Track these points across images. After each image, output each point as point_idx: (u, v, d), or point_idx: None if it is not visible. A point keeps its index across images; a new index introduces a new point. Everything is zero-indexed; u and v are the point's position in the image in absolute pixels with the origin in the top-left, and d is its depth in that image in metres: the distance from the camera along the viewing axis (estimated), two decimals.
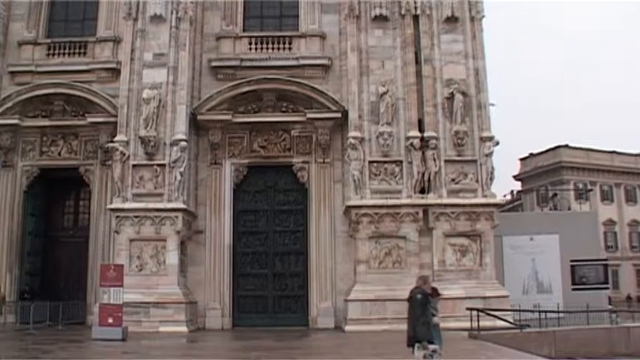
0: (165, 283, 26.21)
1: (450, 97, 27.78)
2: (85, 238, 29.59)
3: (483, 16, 28.97)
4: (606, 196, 79.80)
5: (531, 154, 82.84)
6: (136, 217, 26.83)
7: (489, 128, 27.81)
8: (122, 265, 24.02)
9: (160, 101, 27.76)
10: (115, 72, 29.71)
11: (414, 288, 14.30)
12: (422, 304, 13.74)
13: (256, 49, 30.17)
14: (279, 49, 30.14)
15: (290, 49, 30.18)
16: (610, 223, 77.73)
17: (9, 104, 29.75)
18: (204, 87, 29.59)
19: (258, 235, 29.45)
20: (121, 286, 22.41)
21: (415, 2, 28.71)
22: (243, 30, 30.77)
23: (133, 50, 28.64)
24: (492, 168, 27.47)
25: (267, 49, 30.12)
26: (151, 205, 26.91)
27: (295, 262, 29.16)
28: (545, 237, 30.51)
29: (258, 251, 29.30)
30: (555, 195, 64.59)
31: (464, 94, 27.81)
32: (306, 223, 29.02)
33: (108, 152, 28.40)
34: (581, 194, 72.78)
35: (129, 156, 27.54)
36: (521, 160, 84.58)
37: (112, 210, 27.21)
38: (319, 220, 28.62)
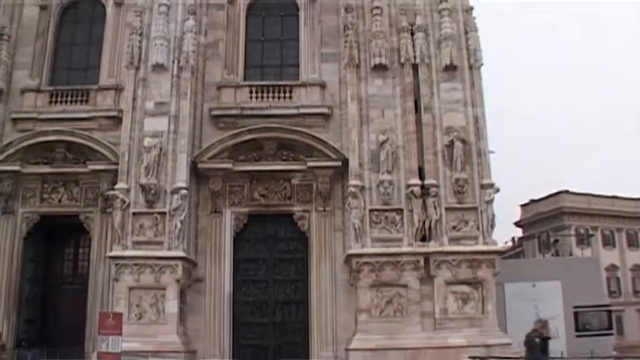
0: (164, 332, 25.91)
1: (450, 145, 27.84)
2: (84, 286, 29.31)
3: (482, 64, 29.23)
4: (608, 241, 79.62)
5: (532, 201, 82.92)
6: (136, 265, 26.66)
7: (489, 175, 27.82)
8: (121, 314, 23.73)
9: (161, 149, 27.84)
10: (117, 120, 29.81)
11: (531, 332, 14.19)
12: (542, 349, 13.69)
13: (257, 98, 30.36)
14: (279, 97, 30.33)
15: (290, 97, 30.38)
16: (612, 268, 77.38)
17: (11, 151, 29.83)
18: (205, 135, 29.69)
19: (259, 284, 29.20)
20: (120, 334, 22.06)
21: (414, 51, 28.93)
22: (244, 79, 31.00)
23: (134, 99, 28.85)
24: (493, 215, 27.39)
25: (268, 98, 30.32)
26: (150, 253, 26.76)
27: (296, 311, 28.87)
28: (548, 283, 30.32)
29: (258, 300, 29.01)
30: (557, 241, 64.52)
31: (464, 141, 27.89)
32: (307, 272, 28.81)
33: (108, 200, 28.31)
34: (583, 240, 72.69)
35: (129, 204, 27.47)
36: (522, 206, 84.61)
37: (112, 258, 27.03)
38: (320, 269, 28.41)
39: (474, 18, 29.89)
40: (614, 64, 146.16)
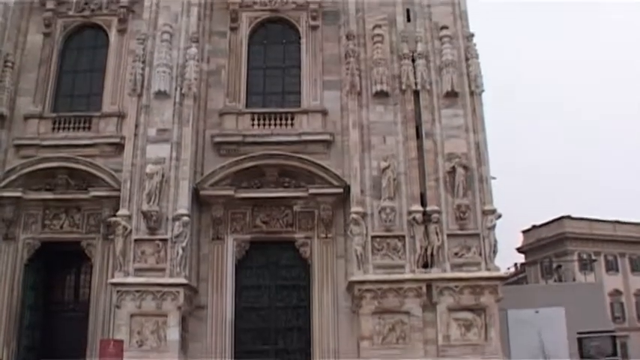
0: None
1: (452, 171, 27.85)
2: (85, 313, 29.16)
3: (483, 91, 29.35)
4: (611, 267, 79.27)
5: (534, 226, 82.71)
6: (137, 291, 26.62)
7: (491, 201, 27.79)
8: (122, 341, 23.77)
9: (163, 176, 27.92)
10: (119, 147, 29.95)
11: None
12: None
13: (259, 125, 30.52)
14: (281, 125, 30.47)
15: (292, 125, 30.51)
16: (616, 293, 76.95)
17: (13, 177, 29.94)
18: (207, 162, 29.76)
19: (261, 311, 29.08)
20: None
21: (415, 78, 29.07)
22: (246, 106, 31.16)
23: (137, 126, 29.04)
24: (495, 241, 27.34)
25: (270, 125, 30.48)
26: (152, 280, 26.71)
27: (298, 338, 28.71)
28: (551, 309, 30.20)
29: (260, 327, 28.87)
30: (559, 267, 64.26)
31: (465, 167, 27.90)
32: (309, 299, 28.70)
33: (110, 226, 28.30)
34: (586, 265, 72.37)
35: (131, 230, 27.51)
36: (524, 232, 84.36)
37: (113, 284, 27.00)
38: (322, 296, 28.31)
39: (475, 45, 30.06)
40: (616, 81, 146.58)
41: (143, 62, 29.86)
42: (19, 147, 31.08)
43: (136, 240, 27.46)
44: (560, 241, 77.01)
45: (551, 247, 77.88)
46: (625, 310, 77.93)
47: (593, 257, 74.84)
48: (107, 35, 33.10)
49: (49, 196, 30.10)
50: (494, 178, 28.82)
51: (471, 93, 29.25)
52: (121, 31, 32.76)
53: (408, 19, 30.63)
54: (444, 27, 30.09)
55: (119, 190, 28.52)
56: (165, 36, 30.07)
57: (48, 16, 33.25)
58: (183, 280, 26.71)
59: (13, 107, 31.68)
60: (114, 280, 27.06)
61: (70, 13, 33.56)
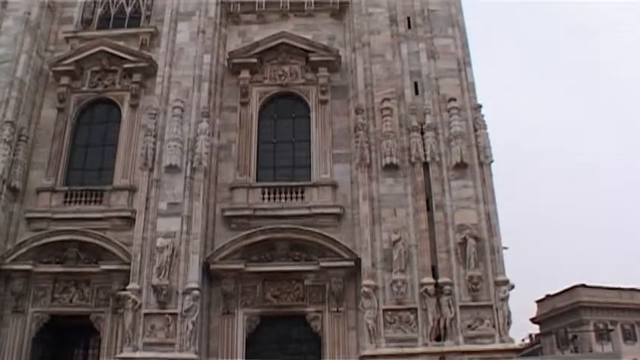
0: None
1: (463, 243, 27.67)
2: None
3: (492, 161, 29.45)
4: (629, 336, 77.58)
5: (548, 296, 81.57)
6: None
7: (504, 272, 27.50)
8: None
9: (173, 250, 27.97)
10: (130, 220, 30.12)
11: None
12: None
13: (269, 198, 30.62)
14: (291, 198, 30.56)
15: (302, 198, 30.59)
16: None
17: (23, 250, 30.07)
18: (218, 236, 29.80)
19: None
20: None
21: (425, 150, 29.26)
22: (257, 180, 31.37)
23: (147, 199, 29.26)
24: (509, 312, 26.94)
25: (280, 198, 30.58)
26: (162, 355, 26.43)
27: None
28: None
29: None
30: (575, 337, 63.18)
31: (476, 238, 27.73)
32: None
33: (120, 300, 28.17)
34: (603, 335, 71.02)
35: (140, 304, 27.39)
36: (538, 302, 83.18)
37: (122, 359, 26.63)
38: None
39: (483, 116, 30.35)
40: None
41: (154, 137, 30.34)
42: (30, 220, 31.31)
43: (145, 314, 27.29)
44: (575, 310, 75.77)
45: (567, 316, 76.58)
46: None
47: (610, 327, 73.44)
48: (120, 110, 33.77)
49: (59, 269, 30.12)
50: (505, 248, 28.61)
51: (480, 164, 29.32)
52: (134, 106, 33.42)
53: (416, 92, 31.07)
54: (452, 99, 30.47)
55: (129, 263, 28.53)
56: (177, 111, 30.67)
57: (62, 92, 34.03)
58: (193, 356, 26.43)
59: (25, 180, 32.07)
60: (123, 355, 26.76)
61: (84, 88, 34.39)
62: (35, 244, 30.17)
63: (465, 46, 32.29)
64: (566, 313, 76.87)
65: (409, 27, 32.80)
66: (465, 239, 27.72)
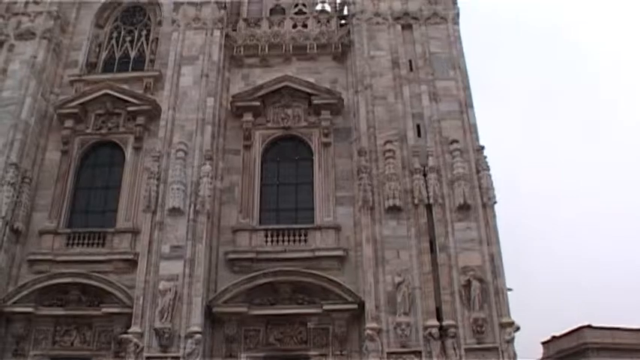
0: None
1: (467, 285, 27.53)
2: None
3: (495, 202, 29.43)
4: None
5: (554, 337, 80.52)
6: None
7: (508, 314, 27.28)
8: None
9: (176, 293, 27.83)
10: (133, 263, 29.99)
11: None
12: None
13: (272, 241, 30.58)
14: (294, 241, 30.52)
15: (306, 241, 30.54)
16: None
17: (25, 292, 29.91)
18: (220, 279, 29.71)
19: None
20: None
21: (428, 192, 29.30)
22: (260, 223, 31.36)
23: (150, 242, 29.22)
24: (515, 354, 26.64)
25: (283, 241, 30.53)
26: None
27: None
28: None
29: None
30: None
31: (481, 280, 27.59)
32: None
33: (122, 344, 27.94)
34: None
35: (143, 348, 27.10)
36: (544, 343, 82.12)
37: None
38: None
39: (485, 157, 30.46)
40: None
41: (158, 179, 30.45)
42: (32, 262, 31.23)
43: (147, 358, 27.02)
44: (581, 352, 74.64)
45: (573, 358, 75.54)
46: None
47: None
48: (123, 153, 33.94)
49: (61, 312, 29.92)
50: (510, 289, 28.45)
51: (484, 205, 29.32)
52: (137, 149, 33.59)
53: (419, 134, 31.30)
54: (455, 141, 30.64)
55: (132, 306, 28.34)
56: (180, 154, 30.84)
57: (66, 134, 34.25)
58: None
59: (28, 222, 32.06)
60: None
61: (88, 131, 34.62)
62: (37, 286, 30.02)
63: (466, 88, 32.63)
64: (572, 355, 75.88)
65: (411, 69, 33.26)
66: (469, 281, 27.57)
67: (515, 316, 27.32)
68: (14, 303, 29.72)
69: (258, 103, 33.64)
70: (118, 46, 38.11)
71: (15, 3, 37.81)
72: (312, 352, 28.59)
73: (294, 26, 36.91)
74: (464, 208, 29.06)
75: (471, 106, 32.05)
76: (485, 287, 27.60)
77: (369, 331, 26.75)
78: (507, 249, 29.06)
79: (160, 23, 38.32)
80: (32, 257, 31.30)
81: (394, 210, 29.09)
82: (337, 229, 30.71)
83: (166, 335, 27.06)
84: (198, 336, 26.90)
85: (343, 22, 37.20)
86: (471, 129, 31.29)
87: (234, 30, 36.72)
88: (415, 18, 34.86)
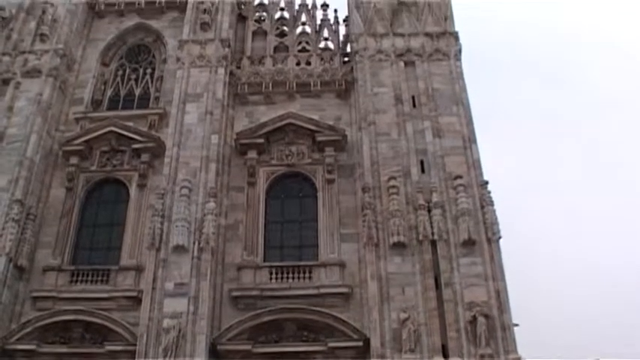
0: None
1: (473, 321, 27.33)
2: None
3: (500, 237, 29.34)
4: None
5: None
6: None
7: (515, 349, 27.06)
8: None
9: (180, 331, 27.63)
10: (136, 300, 29.85)
11: None
12: None
13: (277, 279, 30.46)
14: (299, 278, 30.40)
15: (310, 278, 30.42)
16: None
17: (28, 329, 29.75)
18: (225, 316, 29.55)
19: None
20: None
21: (432, 228, 29.25)
22: (264, 260, 31.28)
23: (154, 279, 29.15)
24: None
25: (288, 278, 30.40)
26: None
27: None
28: None
29: None
30: None
31: (486, 316, 27.39)
32: None
33: None
34: None
35: None
36: None
37: None
38: None
39: (489, 192, 30.41)
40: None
41: (162, 217, 30.48)
42: (36, 299, 31.11)
43: None
44: None
45: None
46: None
47: None
48: (128, 190, 34.02)
49: (64, 349, 29.69)
50: (516, 325, 28.30)
51: (488, 240, 29.24)
52: (141, 186, 33.68)
53: (422, 170, 31.37)
54: (458, 176, 30.69)
55: (135, 344, 28.14)
56: (184, 191, 30.90)
57: (71, 171, 34.36)
58: None
59: (32, 259, 32.00)
60: None
61: (93, 168, 34.75)
62: (40, 323, 29.88)
63: (469, 123, 32.79)
64: None
65: (414, 106, 33.46)
66: (474, 317, 27.38)
67: (522, 352, 27.22)
68: (17, 340, 29.55)
69: (262, 141, 33.81)
70: (123, 83, 38.52)
71: (22, 41, 38.30)
72: None
73: (298, 64, 37.39)
74: (469, 243, 29.00)
75: (475, 141, 32.19)
76: (492, 323, 27.39)
77: None
78: (514, 284, 29.03)
79: (164, 61, 38.78)
80: (35, 294, 31.18)
81: (399, 246, 29.02)
82: (342, 265, 30.61)
83: None
84: None
85: (346, 59, 37.71)
86: (475, 164, 31.38)
87: (239, 67, 37.14)
88: (418, 55, 35.23)
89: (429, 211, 29.80)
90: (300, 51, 38.46)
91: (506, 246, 29.66)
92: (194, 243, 29.73)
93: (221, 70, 35.60)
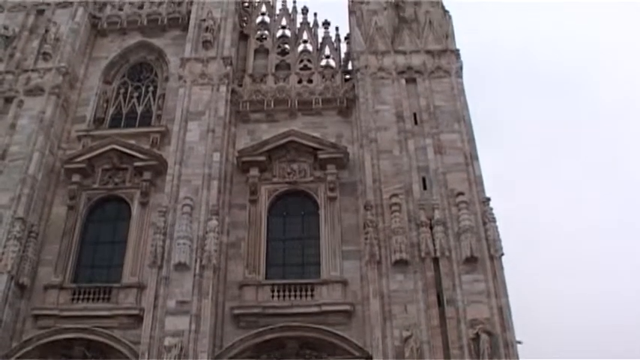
0: None
1: (476, 338, 27.22)
2: None
3: (502, 254, 29.28)
4: None
5: None
6: None
7: None
8: None
9: (181, 349, 27.55)
10: (138, 318, 29.82)
11: None
12: None
13: (279, 296, 30.38)
14: (301, 296, 30.31)
15: (312, 296, 30.33)
16: None
17: (29, 348, 29.67)
18: (227, 334, 29.42)
19: None
20: None
21: (434, 245, 29.25)
22: (266, 278, 31.19)
23: (156, 297, 29.11)
24: None
25: (290, 296, 30.32)
26: None
27: None
28: None
29: None
30: None
31: (489, 333, 27.29)
32: None
33: None
34: None
35: None
36: None
37: None
38: None
39: (492, 209, 30.39)
40: None
41: (164, 234, 30.50)
42: (37, 317, 31.06)
43: None
44: None
45: None
46: None
47: None
48: (129, 208, 34.06)
49: None
50: (520, 342, 28.18)
51: (491, 257, 29.19)
52: (143, 204, 33.72)
53: (424, 187, 31.41)
54: (460, 193, 30.72)
55: None
56: (186, 209, 30.95)
57: (73, 189, 34.43)
58: None
59: (34, 277, 31.97)
60: None
61: (95, 186, 34.83)
62: (41, 341, 29.79)
63: (471, 140, 32.87)
64: None
65: (415, 123, 33.56)
66: (477, 334, 27.28)
67: None
68: (18, 358, 29.46)
69: (264, 158, 33.86)
70: (125, 101, 38.69)
71: (25, 60, 38.54)
72: None
73: (300, 81, 37.55)
74: (471, 260, 28.95)
75: (476, 158, 32.25)
76: (495, 340, 27.29)
77: None
78: (517, 301, 28.91)
79: (166, 79, 38.97)
80: (37, 312, 31.13)
81: (401, 264, 28.98)
82: (344, 283, 30.52)
83: None
84: None
85: (348, 77, 37.86)
86: (477, 181, 31.41)
87: (240, 85, 37.28)
88: (419, 72, 35.36)
89: (431, 228, 29.80)
90: (301, 69, 38.66)
91: (512, 263, 29.71)
92: (196, 261, 29.71)
93: (223, 88, 35.76)
